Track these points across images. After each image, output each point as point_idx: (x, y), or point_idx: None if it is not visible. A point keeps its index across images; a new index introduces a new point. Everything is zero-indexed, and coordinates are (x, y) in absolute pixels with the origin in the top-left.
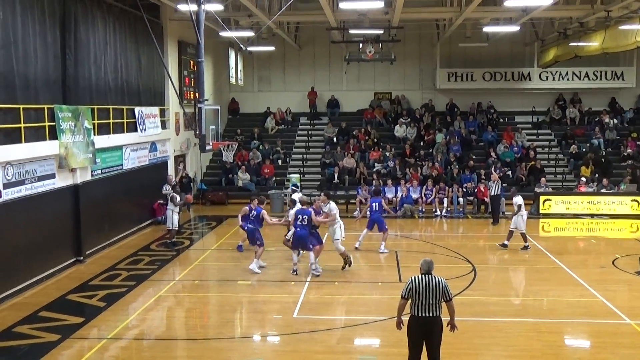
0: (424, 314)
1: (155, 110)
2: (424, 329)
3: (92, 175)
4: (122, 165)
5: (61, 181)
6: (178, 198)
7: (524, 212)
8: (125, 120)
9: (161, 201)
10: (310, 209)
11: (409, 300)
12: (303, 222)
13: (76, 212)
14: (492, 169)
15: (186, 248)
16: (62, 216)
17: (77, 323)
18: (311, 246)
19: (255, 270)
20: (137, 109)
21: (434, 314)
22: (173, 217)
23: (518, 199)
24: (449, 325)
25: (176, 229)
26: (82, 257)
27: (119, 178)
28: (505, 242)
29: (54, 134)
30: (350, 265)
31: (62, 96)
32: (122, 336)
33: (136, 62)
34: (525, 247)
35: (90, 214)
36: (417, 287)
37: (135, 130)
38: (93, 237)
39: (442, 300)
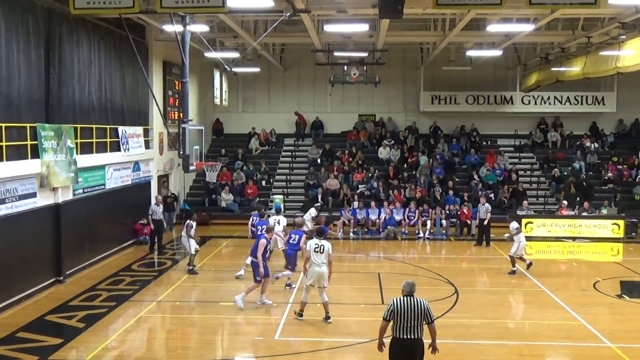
0: (405, 336)
1: (139, 129)
2: (406, 351)
3: (73, 194)
4: (104, 184)
5: (42, 200)
6: (194, 226)
7: (522, 237)
8: (108, 140)
9: (143, 221)
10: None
11: (391, 322)
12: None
13: (57, 231)
14: (479, 192)
15: (168, 269)
16: (42, 236)
17: (55, 344)
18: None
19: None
20: (120, 129)
21: (416, 336)
22: (190, 243)
23: (513, 224)
24: (431, 348)
25: (194, 253)
26: (62, 277)
27: (101, 198)
28: (513, 268)
29: (36, 153)
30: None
31: (45, 115)
32: (102, 358)
33: (120, 82)
34: (512, 272)
35: (71, 233)
36: (399, 309)
37: (119, 149)
38: (73, 257)
39: (424, 322)
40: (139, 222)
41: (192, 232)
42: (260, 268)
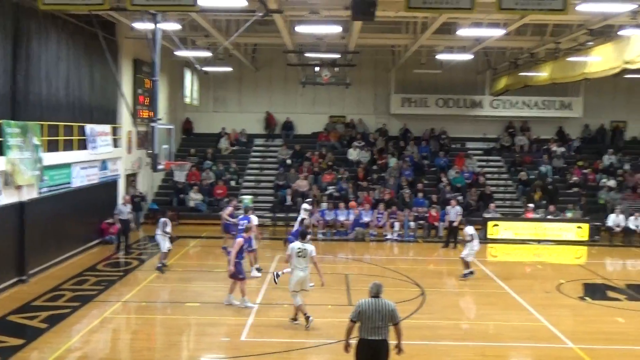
0: (371, 337)
1: (107, 128)
2: (372, 352)
3: (39, 192)
4: (70, 183)
5: (6, 198)
6: (169, 226)
7: (475, 243)
8: (75, 138)
9: (110, 220)
10: None
11: (358, 323)
12: None
13: (21, 230)
14: (447, 195)
15: (134, 269)
16: (5, 234)
17: (17, 345)
18: None
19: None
20: (88, 127)
21: (382, 337)
22: (165, 242)
23: (469, 229)
24: (396, 349)
25: (166, 251)
26: (25, 277)
27: (67, 196)
28: (465, 271)
29: (0, 150)
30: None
31: (11, 111)
32: (65, 359)
33: (89, 79)
34: (465, 275)
35: (35, 232)
36: (365, 310)
37: (86, 148)
38: (38, 256)
39: (390, 323)
40: (105, 221)
41: (169, 229)
42: (230, 266)
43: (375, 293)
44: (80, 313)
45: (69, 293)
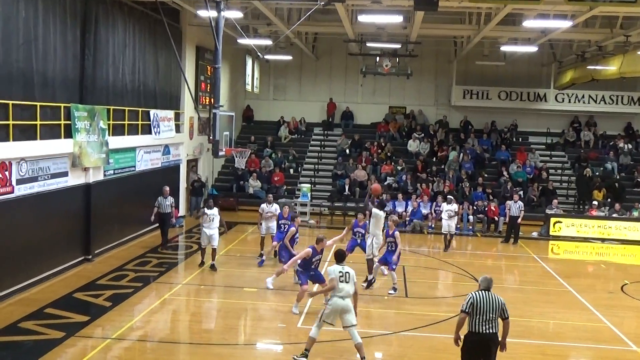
0: (483, 331)
1: (170, 113)
2: (483, 345)
3: (104, 175)
4: (134, 166)
5: (74, 179)
6: (205, 212)
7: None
8: (140, 122)
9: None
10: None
11: (465, 317)
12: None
13: (87, 211)
14: (508, 189)
15: (194, 252)
16: (72, 214)
17: (82, 321)
18: None
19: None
20: (152, 112)
21: (493, 331)
22: (207, 233)
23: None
24: (500, 345)
25: (204, 246)
26: (90, 256)
27: (131, 179)
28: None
29: (69, 133)
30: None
31: (79, 95)
32: (126, 337)
33: (154, 65)
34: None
35: (100, 213)
36: (478, 303)
37: (150, 132)
38: (102, 236)
39: (500, 317)
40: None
41: (202, 218)
42: (285, 266)
43: (486, 287)
44: (142, 293)
45: (131, 273)
